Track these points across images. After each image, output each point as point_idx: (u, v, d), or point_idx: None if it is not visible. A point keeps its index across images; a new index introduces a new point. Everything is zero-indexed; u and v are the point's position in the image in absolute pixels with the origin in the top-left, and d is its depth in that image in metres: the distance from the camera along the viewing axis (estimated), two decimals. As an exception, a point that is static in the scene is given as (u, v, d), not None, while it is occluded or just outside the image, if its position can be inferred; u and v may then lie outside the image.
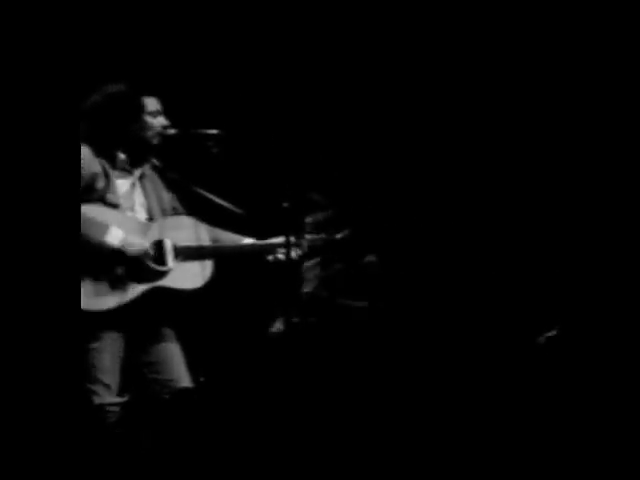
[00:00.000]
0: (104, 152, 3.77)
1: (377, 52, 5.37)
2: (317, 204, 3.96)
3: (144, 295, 3.69)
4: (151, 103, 3.85)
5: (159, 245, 3.75)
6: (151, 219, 3.83)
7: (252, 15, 5.28)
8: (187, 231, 3.83)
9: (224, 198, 3.95)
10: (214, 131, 3.78)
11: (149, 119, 3.82)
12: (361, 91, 5.39)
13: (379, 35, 5.34)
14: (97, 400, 3.61)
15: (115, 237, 3.62)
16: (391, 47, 5.36)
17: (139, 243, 3.68)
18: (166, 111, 3.87)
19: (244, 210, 3.95)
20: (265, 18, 5.28)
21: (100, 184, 3.70)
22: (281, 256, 3.90)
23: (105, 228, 3.61)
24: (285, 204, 3.66)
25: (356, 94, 5.39)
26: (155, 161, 3.92)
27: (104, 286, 3.63)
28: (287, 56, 5.32)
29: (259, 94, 5.35)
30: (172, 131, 3.84)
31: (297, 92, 5.36)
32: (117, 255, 3.63)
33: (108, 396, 3.63)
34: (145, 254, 3.68)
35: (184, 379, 3.84)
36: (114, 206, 3.72)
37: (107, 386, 3.64)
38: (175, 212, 3.94)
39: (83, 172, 3.64)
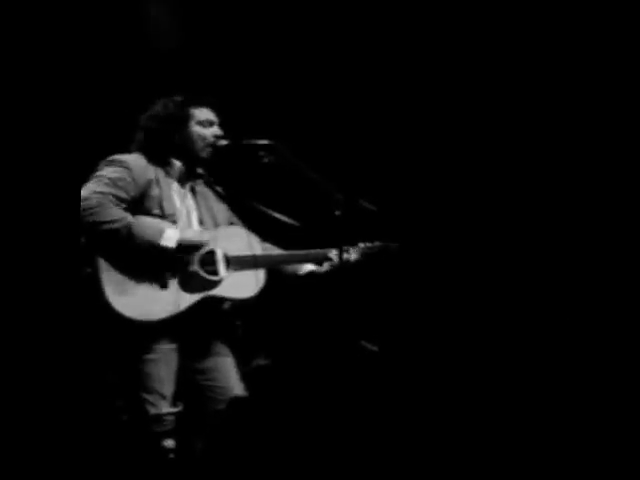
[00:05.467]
0: (158, 160, 3.80)
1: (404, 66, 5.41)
2: (368, 211, 3.94)
3: (197, 305, 3.70)
4: (202, 113, 3.86)
5: (211, 255, 3.76)
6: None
7: (302, 29, 5.32)
8: (239, 241, 3.85)
9: (276, 207, 3.97)
10: (266, 141, 3.78)
11: (197, 128, 3.84)
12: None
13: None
14: (153, 410, 3.62)
15: (170, 239, 3.62)
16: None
17: (193, 236, 3.69)
18: (222, 122, 3.90)
19: (297, 221, 3.96)
20: (314, 33, 5.32)
21: (155, 191, 3.72)
22: (333, 265, 3.92)
23: (160, 231, 3.62)
24: (337, 212, 3.65)
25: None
26: (207, 176, 3.94)
27: (157, 296, 3.63)
28: (332, 67, 5.36)
29: (309, 103, 5.38)
30: (223, 142, 3.85)
31: (345, 101, 5.39)
32: (171, 257, 3.64)
33: (164, 406, 3.64)
34: (198, 246, 3.67)
35: (237, 387, 3.86)
36: (170, 215, 3.74)
37: (163, 396, 3.64)
38: (229, 224, 3.97)
39: (136, 178, 3.69)
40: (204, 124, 3.85)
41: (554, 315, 5.20)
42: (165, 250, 3.61)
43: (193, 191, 3.90)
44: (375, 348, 4.65)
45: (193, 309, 3.69)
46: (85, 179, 3.70)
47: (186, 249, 3.67)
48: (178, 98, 3.87)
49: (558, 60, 5.19)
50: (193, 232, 3.75)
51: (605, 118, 5.14)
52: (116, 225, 3.56)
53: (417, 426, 4.74)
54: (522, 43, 5.22)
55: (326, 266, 3.95)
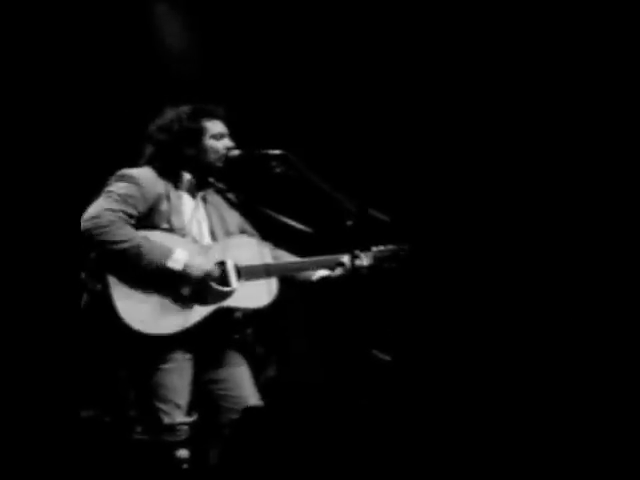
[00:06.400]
0: (168, 174, 3.80)
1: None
2: (380, 221, 3.94)
3: (209, 316, 3.70)
4: (215, 126, 3.86)
5: (221, 266, 3.75)
6: (215, 241, 3.84)
7: (314, 40, 5.34)
8: (249, 250, 3.84)
9: (288, 217, 3.97)
10: (278, 151, 3.78)
11: (211, 142, 3.84)
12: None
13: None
14: (168, 420, 3.62)
15: (177, 261, 3.61)
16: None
17: (201, 264, 3.66)
18: (234, 132, 3.90)
19: (311, 228, 3.96)
20: (326, 45, 5.34)
21: (164, 206, 3.72)
22: (346, 269, 3.90)
23: (168, 252, 3.61)
24: (349, 223, 3.65)
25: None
26: (218, 183, 3.93)
27: (169, 309, 3.63)
28: (344, 78, 5.38)
29: (320, 113, 5.40)
30: (236, 152, 3.85)
31: (356, 111, 5.40)
32: (180, 278, 3.63)
33: (179, 415, 3.64)
34: (207, 275, 3.66)
35: (251, 396, 3.85)
36: (179, 229, 3.74)
37: (178, 406, 3.64)
38: (243, 233, 3.95)
39: (145, 193, 3.69)
40: (217, 137, 3.85)
41: (571, 324, 5.20)
42: (172, 271, 3.61)
43: (204, 200, 3.90)
44: (387, 357, 4.65)
45: (206, 321, 3.69)
46: (95, 190, 3.72)
47: (190, 280, 3.66)
48: (187, 109, 3.85)
49: (558, 60, 5.20)
50: (202, 258, 3.71)
51: (605, 118, 5.15)
52: (125, 245, 3.56)
53: (431, 435, 4.75)
54: (522, 43, 5.23)
55: (339, 271, 3.92)
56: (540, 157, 5.30)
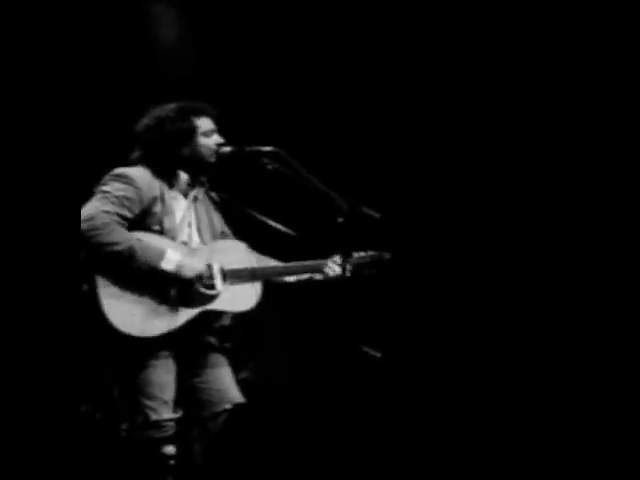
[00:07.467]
0: (163, 174, 3.78)
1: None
2: (371, 218, 3.94)
3: (195, 319, 3.70)
4: (204, 123, 3.84)
5: (207, 269, 3.75)
6: (203, 242, 3.85)
7: (305, 36, 5.34)
8: (236, 254, 3.85)
9: (279, 215, 3.98)
10: (269, 148, 3.76)
11: (203, 139, 3.82)
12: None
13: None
14: (155, 416, 3.63)
15: (170, 262, 3.62)
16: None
17: (192, 264, 3.67)
18: (221, 129, 3.88)
19: (295, 230, 3.97)
20: (317, 41, 5.34)
21: (158, 208, 3.72)
22: (330, 275, 3.93)
23: (161, 253, 3.62)
24: (340, 219, 3.64)
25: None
26: (207, 183, 3.93)
27: (156, 312, 3.63)
28: (336, 75, 5.39)
29: (312, 110, 5.40)
30: (227, 149, 3.84)
31: (348, 108, 5.41)
32: (171, 279, 3.64)
33: (165, 412, 3.65)
34: (198, 276, 3.68)
35: (234, 389, 3.87)
36: (170, 231, 3.74)
37: (164, 402, 3.65)
38: (223, 235, 3.97)
39: (142, 195, 3.68)
40: (207, 134, 3.84)
41: (553, 320, 5.21)
42: (164, 273, 3.62)
43: (195, 200, 3.89)
44: (377, 354, 4.65)
45: (191, 323, 3.69)
46: (87, 188, 3.71)
47: (181, 281, 3.67)
48: (175, 107, 3.82)
49: (558, 60, 5.20)
50: (192, 258, 3.72)
51: (605, 118, 5.15)
52: (119, 247, 3.56)
53: (420, 432, 4.75)
54: (522, 44, 5.23)
55: (320, 276, 3.98)
56: (536, 158, 5.30)
